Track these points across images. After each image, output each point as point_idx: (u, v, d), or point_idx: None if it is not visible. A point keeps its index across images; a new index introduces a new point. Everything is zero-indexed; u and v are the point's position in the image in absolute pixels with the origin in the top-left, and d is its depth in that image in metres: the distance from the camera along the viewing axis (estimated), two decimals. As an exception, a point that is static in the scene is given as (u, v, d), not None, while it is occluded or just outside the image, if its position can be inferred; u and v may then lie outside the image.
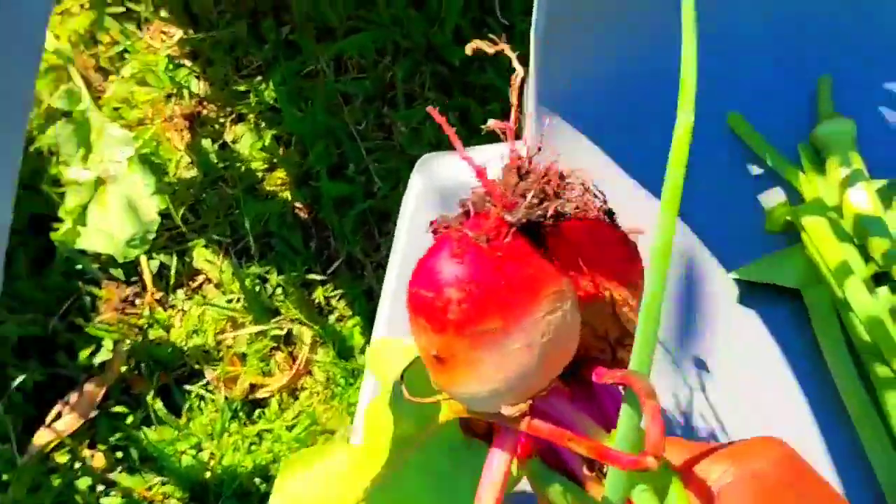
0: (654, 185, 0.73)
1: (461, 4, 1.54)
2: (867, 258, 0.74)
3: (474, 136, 1.53)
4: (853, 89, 0.81)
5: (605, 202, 0.48)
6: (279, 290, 1.51)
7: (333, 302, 1.51)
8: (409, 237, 0.77)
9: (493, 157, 0.74)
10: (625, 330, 0.49)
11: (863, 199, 0.73)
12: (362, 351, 1.45)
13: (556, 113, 0.77)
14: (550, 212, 0.45)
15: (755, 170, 0.80)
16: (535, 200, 0.45)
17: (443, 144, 1.51)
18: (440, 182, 0.79)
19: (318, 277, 1.51)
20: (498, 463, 0.46)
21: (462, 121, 1.52)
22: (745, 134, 0.80)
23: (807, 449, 0.72)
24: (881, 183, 0.75)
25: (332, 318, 1.49)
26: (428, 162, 0.80)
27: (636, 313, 0.49)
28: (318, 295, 1.50)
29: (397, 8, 1.58)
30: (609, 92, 0.78)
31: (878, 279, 0.74)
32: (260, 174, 1.56)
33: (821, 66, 0.81)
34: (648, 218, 0.45)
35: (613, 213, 0.50)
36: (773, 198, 0.78)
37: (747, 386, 0.73)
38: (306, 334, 1.49)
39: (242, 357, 1.49)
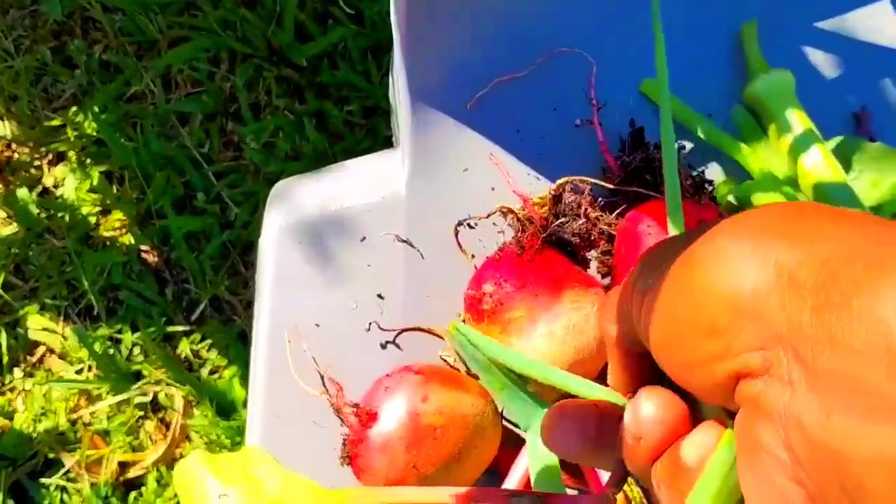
0: (534, 164, 0.65)
1: (298, -3, 1.36)
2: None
3: (336, 141, 1.34)
4: (780, 34, 0.69)
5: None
6: (136, 350, 1.30)
7: (203, 353, 1.31)
8: (276, 288, 0.61)
9: (360, 171, 0.60)
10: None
11: (820, 163, 0.61)
12: (244, 405, 1.26)
13: (429, 104, 0.62)
14: (575, 230, 0.57)
15: (685, 145, 0.68)
16: (564, 221, 0.57)
17: (302, 156, 1.34)
18: (301, 212, 0.62)
19: (181, 328, 1.30)
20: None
21: (320, 126, 1.35)
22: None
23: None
24: (836, 141, 0.64)
25: (203, 371, 1.30)
26: (282, 192, 0.64)
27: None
28: (184, 348, 1.30)
29: (226, 10, 1.39)
30: (481, 77, 0.64)
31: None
32: (93, 219, 1.34)
33: (740, 15, 0.69)
34: (518, 183, 0.58)
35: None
36: (711, 176, 0.66)
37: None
38: (177, 396, 1.28)
39: (105, 434, 1.27)
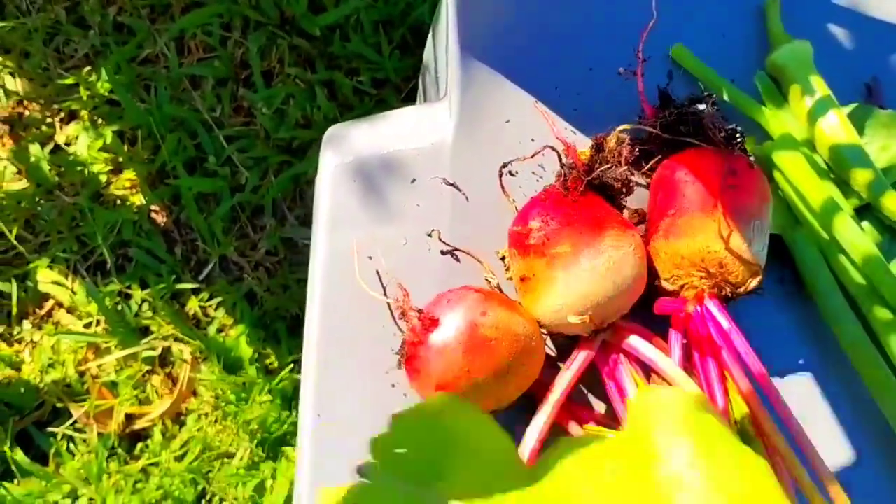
0: (570, 118, 0.70)
1: (314, -33, 1.39)
2: (846, 193, 0.68)
3: (346, 111, 1.38)
4: (801, 9, 0.74)
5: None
6: (146, 306, 1.33)
7: (211, 311, 1.34)
8: (331, 223, 0.65)
9: (410, 118, 0.63)
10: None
11: (837, 126, 0.67)
12: (252, 361, 1.30)
13: (478, 58, 0.66)
14: (617, 176, 0.62)
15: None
16: (608, 167, 0.62)
17: (313, 124, 1.37)
18: (355, 155, 0.66)
19: (190, 286, 1.34)
20: (579, 359, 0.61)
21: (330, 96, 1.38)
22: (695, 68, 0.72)
23: (808, 397, 0.65)
24: (851, 107, 0.69)
25: (211, 329, 1.33)
26: (337, 135, 0.67)
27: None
28: (193, 305, 1.33)
29: (241, -23, 1.42)
30: (530, 35, 0.69)
31: (859, 214, 0.68)
32: (104, 178, 1.36)
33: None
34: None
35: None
36: (735, 137, 0.71)
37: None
38: (184, 351, 1.31)
39: (113, 386, 1.30)
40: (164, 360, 1.32)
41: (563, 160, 0.63)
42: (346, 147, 0.67)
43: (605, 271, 0.58)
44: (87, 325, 1.32)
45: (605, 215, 0.60)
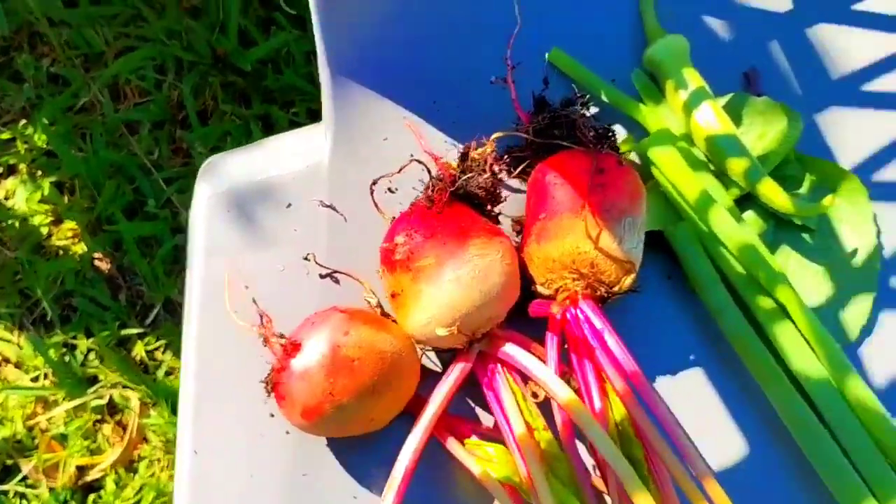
0: (450, 131, 0.70)
1: (240, 4, 1.40)
2: (727, 184, 0.67)
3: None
4: (677, 3, 0.74)
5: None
6: (92, 355, 1.32)
7: (158, 355, 1.33)
8: (207, 255, 0.64)
9: (286, 144, 0.63)
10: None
11: (711, 118, 0.66)
12: (201, 402, 1.28)
13: (350, 77, 0.66)
14: (481, 184, 0.62)
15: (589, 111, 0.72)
16: (470, 176, 0.61)
17: (249, 159, 1.37)
18: (230, 184, 0.66)
19: (136, 331, 1.33)
20: (455, 372, 0.60)
21: (267, 129, 1.38)
22: (572, 71, 0.71)
23: (698, 390, 0.64)
24: (726, 98, 0.68)
25: (159, 373, 1.32)
26: (213, 165, 0.67)
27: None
28: (139, 350, 1.32)
29: (171, 19, 1.42)
30: (403, 50, 0.68)
31: (742, 203, 0.67)
32: (45, 230, 1.36)
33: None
34: (436, 150, 0.62)
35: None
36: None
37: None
38: (133, 398, 1.30)
39: (62, 439, 1.29)
40: (113, 407, 1.31)
41: (432, 173, 0.62)
42: (221, 177, 0.66)
43: (469, 280, 0.57)
44: (35, 379, 1.31)
45: (470, 225, 0.60)
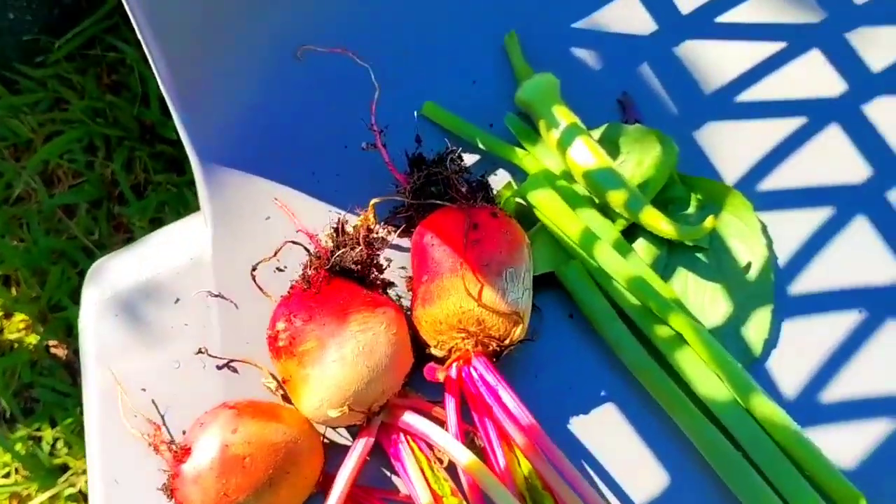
0: (333, 201, 0.70)
1: (158, 74, 1.40)
2: (613, 216, 0.67)
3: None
4: (543, 40, 0.74)
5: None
6: (59, 444, 1.32)
7: (124, 434, 1.32)
8: (99, 361, 0.64)
9: (166, 238, 0.62)
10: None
11: (585, 153, 0.66)
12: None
13: (221, 161, 0.66)
14: (355, 258, 0.61)
15: (469, 158, 0.72)
16: (343, 252, 0.61)
17: (189, 225, 1.37)
18: (114, 288, 0.66)
19: (99, 413, 1.32)
20: (358, 448, 0.60)
21: (201, 195, 1.38)
22: (447, 122, 0.72)
23: (611, 426, 0.64)
24: (600, 131, 0.69)
25: (127, 452, 1.31)
26: (97, 270, 0.67)
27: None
28: (87, 463, 1.32)
29: (92, 98, 1.43)
30: (274, 128, 0.68)
31: (633, 232, 0.67)
32: (-4, 325, 1.36)
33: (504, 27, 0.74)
34: (319, 222, 0.63)
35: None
36: (496, 183, 0.70)
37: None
38: (104, 480, 1.30)
39: (41, 532, 1.29)
40: (88, 494, 1.31)
41: (310, 251, 0.62)
42: (105, 282, 0.66)
43: (354, 358, 0.57)
44: (6, 475, 1.31)
45: (349, 300, 0.60)
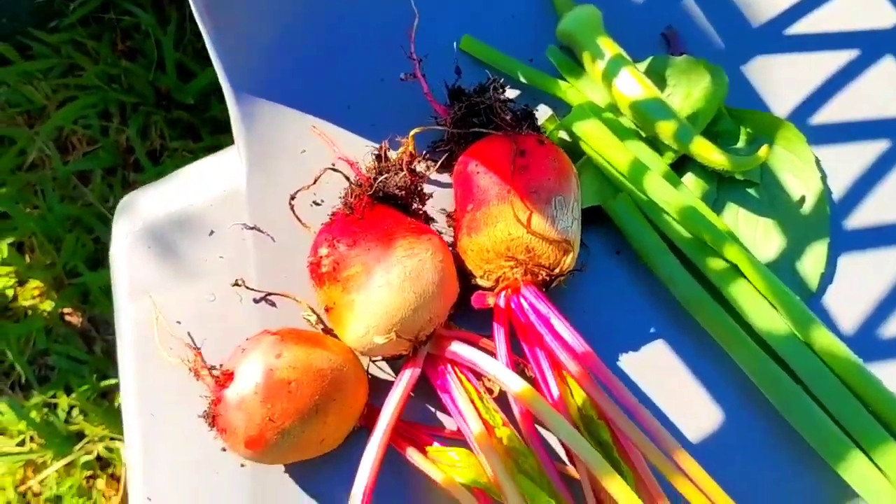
0: (368, 135, 0.68)
1: (173, 39, 1.38)
2: (661, 149, 0.65)
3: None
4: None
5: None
6: (75, 412, 1.30)
7: (141, 402, 1.30)
8: (132, 295, 0.62)
9: (200, 172, 0.61)
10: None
11: (633, 84, 0.64)
12: (189, 443, 1.26)
13: (256, 93, 0.64)
14: (398, 184, 0.59)
15: (509, 94, 0.70)
16: (387, 177, 0.59)
17: (206, 192, 1.35)
18: (145, 220, 0.63)
19: (115, 381, 1.30)
20: (404, 379, 0.58)
21: (218, 160, 1.36)
22: (486, 56, 0.69)
23: (662, 363, 0.62)
24: (645, 63, 0.66)
25: (144, 420, 1.29)
26: (128, 204, 0.65)
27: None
28: (121, 400, 1.30)
29: (108, 64, 1.40)
30: (309, 59, 0.66)
31: (680, 167, 0.65)
32: (10, 292, 1.34)
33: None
34: (356, 156, 0.60)
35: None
36: (539, 117, 0.68)
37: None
38: (121, 448, 1.28)
39: (57, 500, 1.27)
40: (105, 461, 1.29)
41: (351, 179, 0.60)
42: (137, 214, 0.64)
43: (400, 283, 0.55)
44: (21, 443, 1.29)
45: (394, 226, 0.58)
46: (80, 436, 1.29)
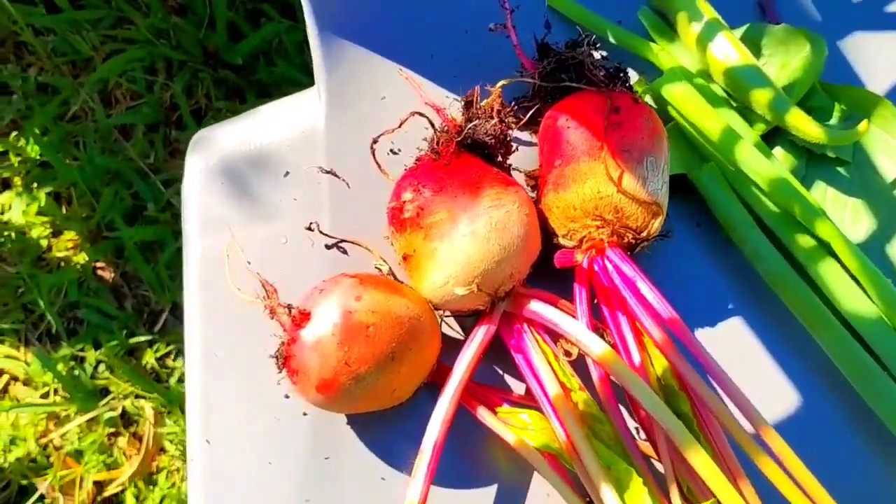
0: (450, 86, 0.65)
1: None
2: (751, 119, 0.63)
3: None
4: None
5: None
6: (102, 367, 1.28)
7: (169, 362, 1.29)
8: (204, 230, 0.60)
9: (278, 111, 0.59)
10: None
11: (729, 50, 0.62)
12: (216, 406, 1.24)
13: (341, 35, 0.62)
14: (489, 131, 0.57)
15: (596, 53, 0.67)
16: (477, 123, 0.56)
17: (248, 155, 1.33)
18: (220, 156, 0.62)
19: (144, 338, 1.29)
20: (479, 334, 0.56)
21: (262, 124, 1.34)
22: (576, 14, 0.67)
23: (740, 341, 0.60)
24: (742, 30, 0.64)
25: (172, 380, 1.28)
26: (203, 139, 0.63)
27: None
28: (149, 358, 1.28)
29: (158, 19, 1.39)
30: (396, 3, 0.64)
31: (770, 140, 0.63)
32: (44, 242, 1.33)
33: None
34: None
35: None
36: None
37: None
38: (146, 407, 1.26)
39: (77, 455, 1.25)
40: (127, 418, 1.27)
41: (436, 125, 0.58)
42: (211, 149, 0.62)
43: (486, 234, 0.53)
44: (45, 395, 1.28)
45: (482, 175, 0.56)
46: (105, 392, 1.28)
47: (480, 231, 0.53)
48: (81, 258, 1.32)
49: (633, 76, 0.66)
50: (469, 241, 0.53)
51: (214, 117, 1.36)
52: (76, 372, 1.27)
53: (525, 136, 0.65)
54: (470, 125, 0.56)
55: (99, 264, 1.32)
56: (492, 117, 0.57)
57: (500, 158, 0.59)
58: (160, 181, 1.33)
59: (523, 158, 0.63)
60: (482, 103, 0.59)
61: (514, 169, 0.63)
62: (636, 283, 0.54)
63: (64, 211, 1.34)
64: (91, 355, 1.27)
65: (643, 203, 0.55)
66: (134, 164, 1.34)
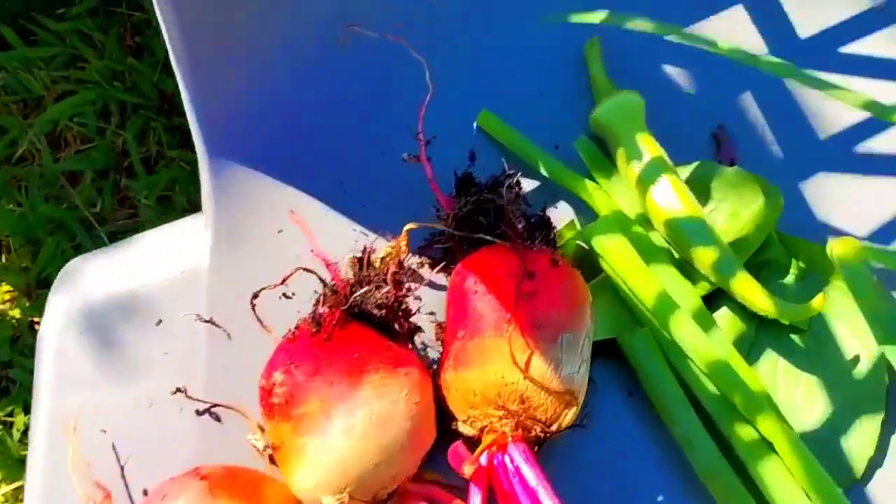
0: (360, 218, 0.58)
1: (184, 42, 1.28)
2: (695, 275, 0.55)
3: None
4: (632, 54, 0.61)
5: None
6: (32, 431, 1.21)
7: (103, 428, 1.22)
8: (57, 388, 0.52)
9: (159, 242, 0.52)
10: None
11: (671, 196, 0.54)
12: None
13: (234, 159, 0.54)
14: (379, 300, 0.49)
15: (527, 184, 0.60)
16: (366, 291, 0.49)
17: (199, 208, 1.26)
18: (88, 296, 0.54)
19: (78, 403, 1.21)
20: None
21: (215, 177, 1.27)
22: (505, 137, 0.59)
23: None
24: (689, 169, 0.56)
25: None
26: (71, 272, 0.56)
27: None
28: None
29: (113, 60, 1.32)
30: (291, 123, 0.56)
31: (715, 298, 0.55)
32: (-22, 295, 1.25)
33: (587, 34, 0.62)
34: (343, 242, 0.52)
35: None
36: (557, 219, 0.58)
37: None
38: (76, 477, 1.19)
39: (1, 526, 1.18)
40: (55, 487, 1.20)
41: (326, 282, 0.51)
42: (78, 288, 0.55)
43: (364, 431, 0.45)
44: (-28, 460, 1.21)
45: (367, 354, 0.48)
46: (34, 456, 1.21)
47: (358, 427, 0.45)
48: (17, 312, 1.25)
49: (566, 214, 0.58)
50: (343, 439, 0.45)
51: (166, 166, 1.29)
52: (3, 437, 1.20)
53: (442, 279, 0.57)
54: (358, 293, 0.48)
55: (36, 319, 1.25)
56: (385, 282, 0.49)
57: (397, 327, 0.51)
58: (105, 233, 1.26)
59: (441, 305, 0.55)
60: (381, 255, 0.51)
61: (429, 315, 0.55)
62: (538, 493, 0.46)
63: (3, 260, 1.26)
64: (20, 420, 1.20)
65: (554, 393, 0.48)
66: (79, 213, 1.27)
